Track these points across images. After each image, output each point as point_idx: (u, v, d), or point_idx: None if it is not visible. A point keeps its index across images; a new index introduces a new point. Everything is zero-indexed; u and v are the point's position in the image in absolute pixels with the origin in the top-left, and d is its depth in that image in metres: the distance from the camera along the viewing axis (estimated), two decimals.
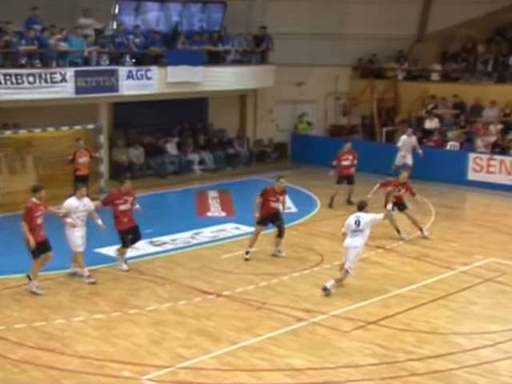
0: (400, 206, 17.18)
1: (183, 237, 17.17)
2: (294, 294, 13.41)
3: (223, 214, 19.83)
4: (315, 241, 16.98)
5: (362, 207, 13.60)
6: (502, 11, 29.45)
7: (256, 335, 11.50)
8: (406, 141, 22.98)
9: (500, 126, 24.53)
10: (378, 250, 16.22)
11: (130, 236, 14.66)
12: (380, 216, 13.78)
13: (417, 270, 14.92)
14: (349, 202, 20.17)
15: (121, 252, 14.84)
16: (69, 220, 13.84)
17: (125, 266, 14.74)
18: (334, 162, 20.32)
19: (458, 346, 11.26)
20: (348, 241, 13.42)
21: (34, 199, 13.35)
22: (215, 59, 25.47)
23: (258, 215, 15.51)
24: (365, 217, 13.40)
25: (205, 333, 11.61)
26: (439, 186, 22.59)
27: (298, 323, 11.99)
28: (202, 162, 26.11)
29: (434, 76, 28.58)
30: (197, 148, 26.16)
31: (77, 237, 13.90)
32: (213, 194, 22.30)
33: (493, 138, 24.15)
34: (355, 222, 13.35)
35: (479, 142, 24.04)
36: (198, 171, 25.85)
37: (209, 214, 19.87)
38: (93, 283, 13.82)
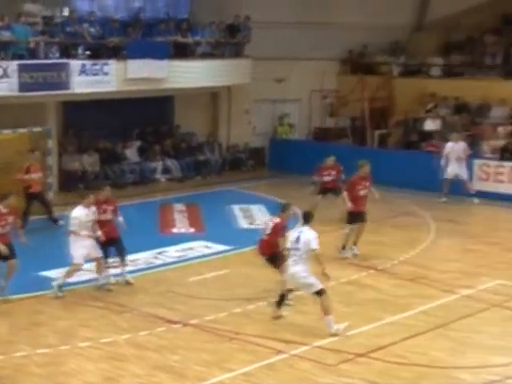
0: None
1: (145, 257, 17.21)
2: (273, 323, 13.39)
3: (191, 230, 19.88)
4: None
5: None
6: None
7: (228, 370, 11.49)
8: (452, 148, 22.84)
9: (510, 128, 24.76)
10: (369, 271, 16.30)
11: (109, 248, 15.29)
12: None
13: (413, 295, 15.00)
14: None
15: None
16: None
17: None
18: (315, 178, 20.36)
19: (461, 382, 11.31)
20: None
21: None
22: (183, 52, 25.50)
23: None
24: None
25: (169, 369, 11.58)
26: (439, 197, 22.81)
27: (277, 356, 11.99)
28: (166, 171, 26.12)
29: (435, 71, 28.82)
30: (161, 154, 26.18)
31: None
32: (179, 207, 22.31)
33: (501, 142, 24.37)
34: None
35: (485, 147, 24.25)
36: (162, 181, 25.87)
37: (174, 230, 19.90)
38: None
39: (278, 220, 14.79)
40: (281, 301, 13.37)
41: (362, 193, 17.38)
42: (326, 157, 20.34)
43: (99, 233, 14.81)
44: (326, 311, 12.69)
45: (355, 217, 17.32)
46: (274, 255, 14.52)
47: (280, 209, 15.11)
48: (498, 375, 11.39)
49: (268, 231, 14.71)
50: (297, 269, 12.82)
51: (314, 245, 12.75)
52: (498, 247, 18.10)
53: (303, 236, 12.86)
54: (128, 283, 15.37)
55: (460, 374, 11.51)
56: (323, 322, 12.73)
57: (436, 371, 11.61)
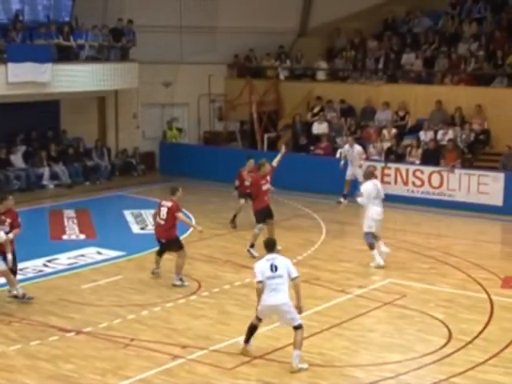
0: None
1: (34, 265, 16.86)
2: (168, 328, 13.31)
3: (82, 236, 19.64)
4: (191, 265, 16.91)
5: None
6: (392, 3, 30.56)
7: (124, 378, 11.33)
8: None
9: (394, 131, 25.36)
10: None
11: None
12: None
13: (307, 295, 15.10)
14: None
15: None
16: None
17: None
18: (236, 182, 20.40)
19: (355, 379, 11.47)
20: None
21: None
22: (66, 55, 25.15)
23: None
24: None
25: (62, 378, 11.32)
26: (328, 198, 23.12)
27: (174, 361, 11.90)
28: (54, 177, 25.65)
29: (320, 75, 29.27)
30: (48, 160, 25.66)
31: None
32: (69, 213, 22.01)
33: (386, 144, 24.95)
34: None
35: (372, 149, 24.76)
36: (50, 187, 25.37)
37: (65, 237, 19.63)
38: None
39: (170, 204, 15.32)
40: (250, 334, 12.11)
41: (264, 188, 17.82)
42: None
43: (10, 256, 14.10)
44: (298, 346, 11.71)
45: (263, 214, 17.67)
46: (172, 239, 15.38)
47: (170, 193, 15.61)
48: (391, 372, 11.60)
49: (164, 216, 15.21)
50: (280, 299, 11.64)
51: (294, 272, 11.78)
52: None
53: (278, 262, 11.73)
54: (16, 297, 14.69)
55: (354, 373, 11.68)
56: (292, 356, 11.62)
57: (331, 370, 11.74)
